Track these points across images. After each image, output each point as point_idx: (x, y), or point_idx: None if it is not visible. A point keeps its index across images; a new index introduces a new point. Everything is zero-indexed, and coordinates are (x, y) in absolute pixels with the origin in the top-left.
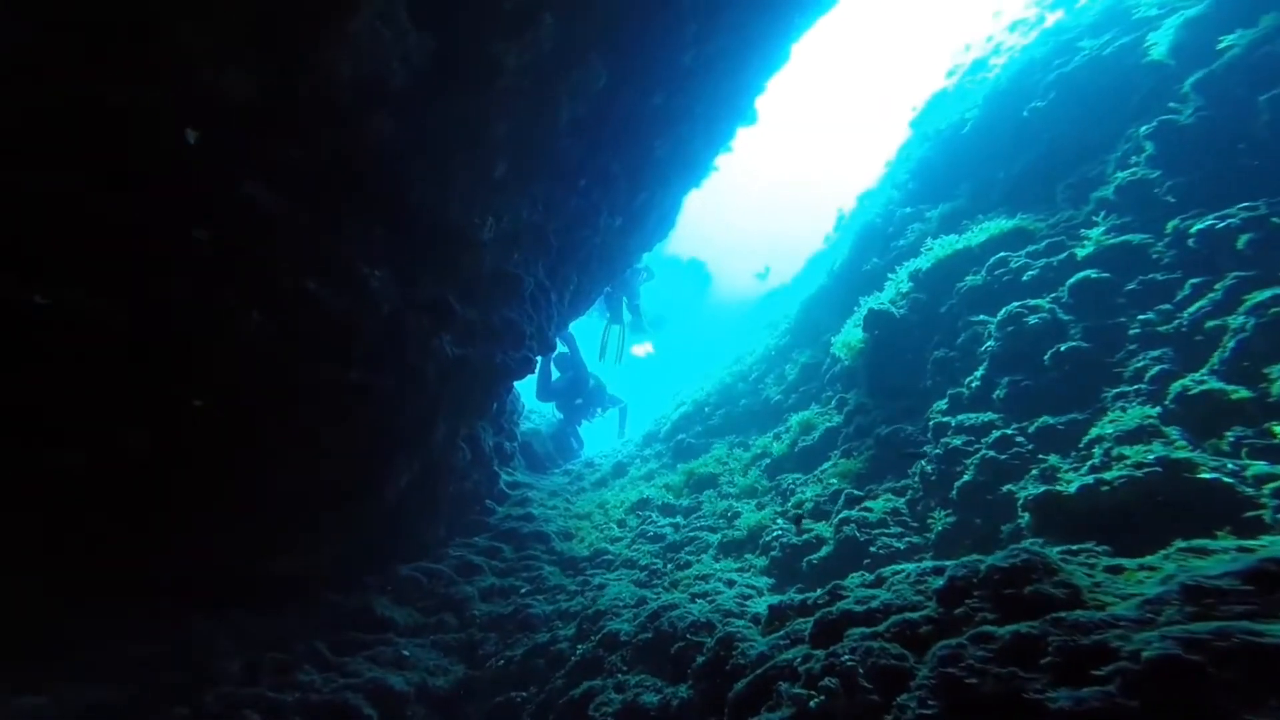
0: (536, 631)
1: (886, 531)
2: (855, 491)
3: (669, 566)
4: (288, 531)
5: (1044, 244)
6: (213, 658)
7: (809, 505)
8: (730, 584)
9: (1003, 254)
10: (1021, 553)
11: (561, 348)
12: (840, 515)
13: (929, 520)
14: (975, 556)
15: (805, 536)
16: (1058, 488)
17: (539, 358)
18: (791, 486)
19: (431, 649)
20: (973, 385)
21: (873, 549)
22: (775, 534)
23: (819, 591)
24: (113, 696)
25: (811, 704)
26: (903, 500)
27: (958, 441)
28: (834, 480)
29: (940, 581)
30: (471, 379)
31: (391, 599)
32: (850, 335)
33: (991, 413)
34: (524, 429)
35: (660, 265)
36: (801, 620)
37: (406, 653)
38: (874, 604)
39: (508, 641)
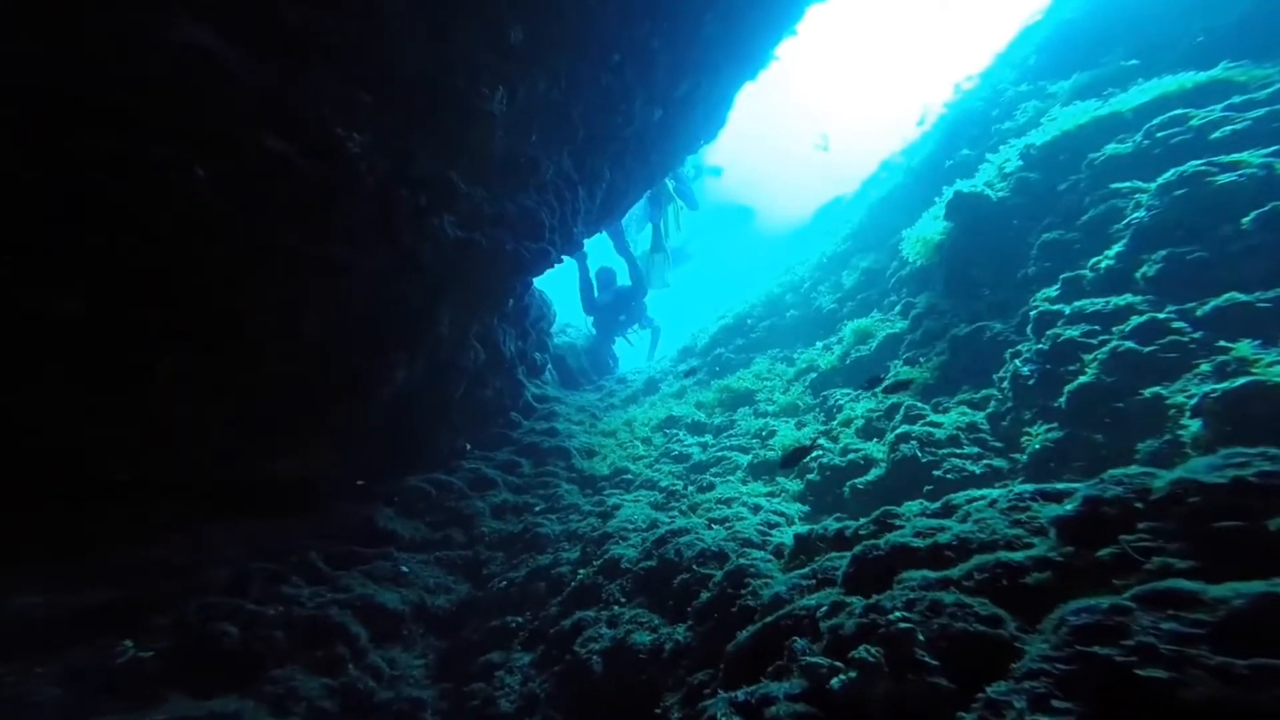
0: (544, 551)
1: (959, 451)
2: (919, 405)
3: (690, 488)
4: (279, 430)
5: (1265, 93)
6: (209, 565)
7: (859, 422)
8: (756, 509)
9: (1179, 111)
10: (1243, 459)
11: (608, 264)
12: (899, 431)
13: (1020, 438)
14: (1136, 469)
15: (851, 456)
16: (1259, 376)
17: (568, 258)
18: (839, 403)
19: (435, 565)
20: (1102, 265)
21: (938, 473)
22: (816, 453)
23: (862, 520)
24: (103, 600)
25: (834, 683)
26: (982, 414)
27: (1073, 333)
28: (895, 396)
29: (1063, 509)
30: (479, 266)
31: (398, 510)
32: (927, 229)
33: (1131, 295)
34: (558, 343)
35: (707, 210)
36: (836, 555)
37: (406, 569)
38: (943, 537)
39: (513, 562)
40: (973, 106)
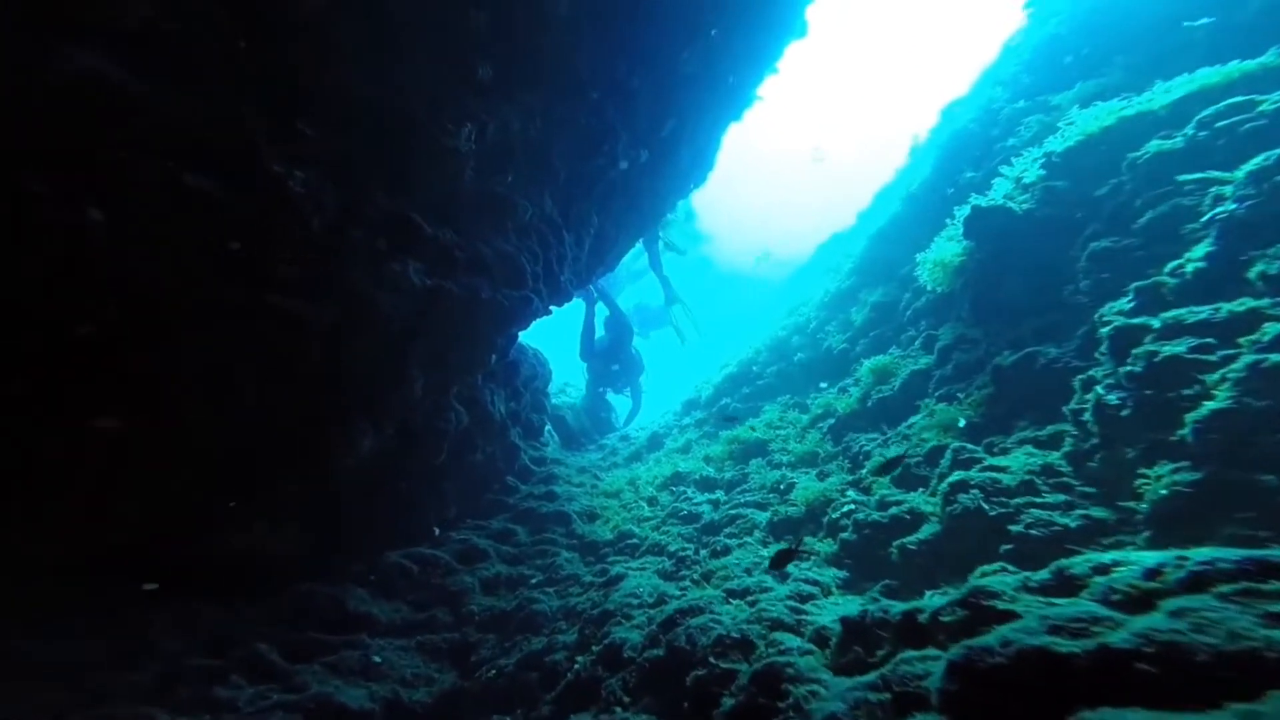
0: (540, 632)
1: (1039, 500)
2: (969, 447)
3: (702, 553)
4: (226, 501)
5: None
6: (139, 661)
7: (895, 472)
8: (783, 577)
9: (1239, 99)
10: None
11: (604, 310)
12: (952, 479)
13: (1128, 482)
14: None
15: (894, 510)
16: None
17: (555, 307)
18: (865, 449)
19: (416, 652)
20: (1188, 269)
21: (1016, 528)
22: (845, 508)
23: (937, 598)
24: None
25: None
26: (1057, 454)
27: (1175, 349)
28: (931, 435)
29: None
30: (453, 317)
31: (374, 590)
32: (943, 252)
33: (1251, 298)
34: (558, 403)
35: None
36: (913, 656)
37: (378, 658)
38: (1115, 638)
39: (505, 645)
40: (967, 128)
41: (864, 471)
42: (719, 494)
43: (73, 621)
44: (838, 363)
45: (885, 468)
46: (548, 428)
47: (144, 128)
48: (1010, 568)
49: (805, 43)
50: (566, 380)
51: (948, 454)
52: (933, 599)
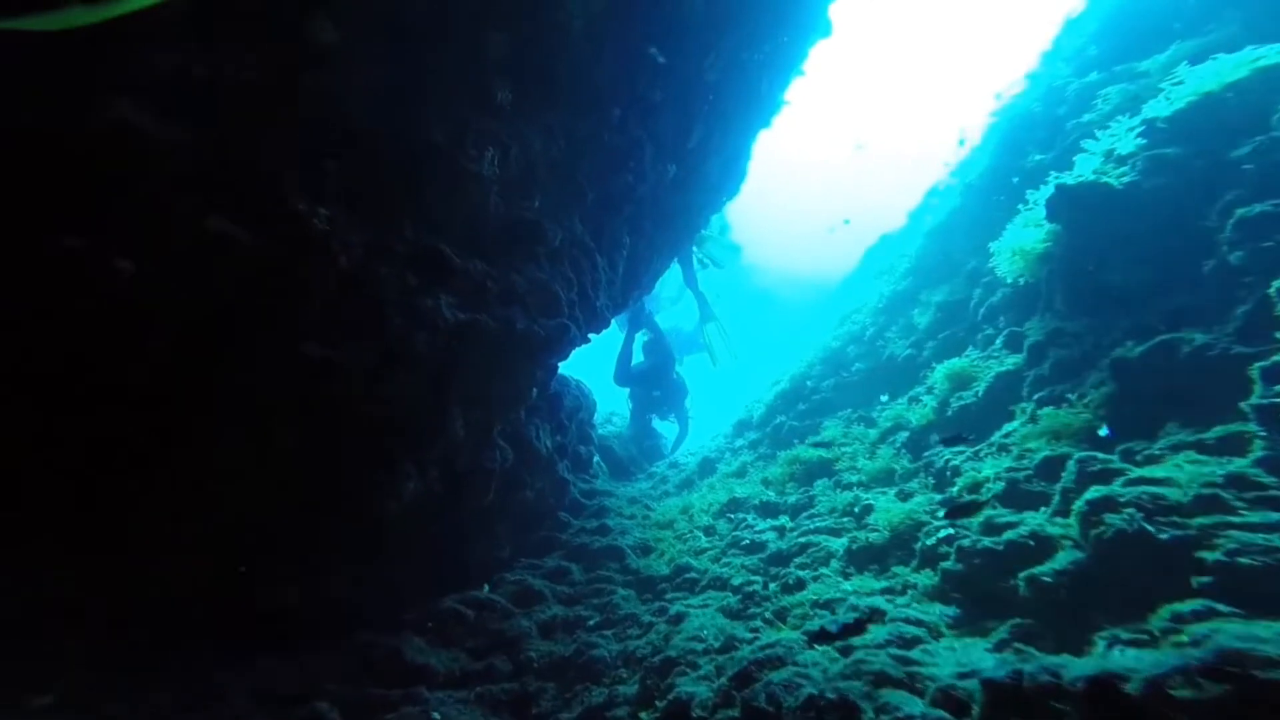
0: (600, 680)
1: (1235, 520)
2: (1100, 456)
3: (772, 586)
4: (270, 555)
5: None
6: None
7: (995, 486)
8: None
9: None
10: None
11: (644, 335)
12: (1090, 497)
13: None
14: None
15: (1010, 535)
16: None
17: (593, 334)
18: (952, 463)
19: (476, 704)
20: None
21: (1211, 555)
22: (943, 532)
23: (1140, 656)
24: None
25: None
26: (1245, 461)
27: None
28: (1039, 444)
29: None
30: (489, 353)
31: (430, 639)
32: (1022, 239)
33: None
34: (604, 433)
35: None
36: None
37: (437, 714)
38: None
39: (565, 696)
40: (1029, 110)
41: (955, 490)
42: (784, 520)
43: (137, 675)
44: (902, 371)
45: (962, 510)
46: (595, 459)
47: (168, 174)
48: (1221, 607)
49: (832, 43)
50: (612, 410)
51: (1070, 466)
52: (1131, 657)
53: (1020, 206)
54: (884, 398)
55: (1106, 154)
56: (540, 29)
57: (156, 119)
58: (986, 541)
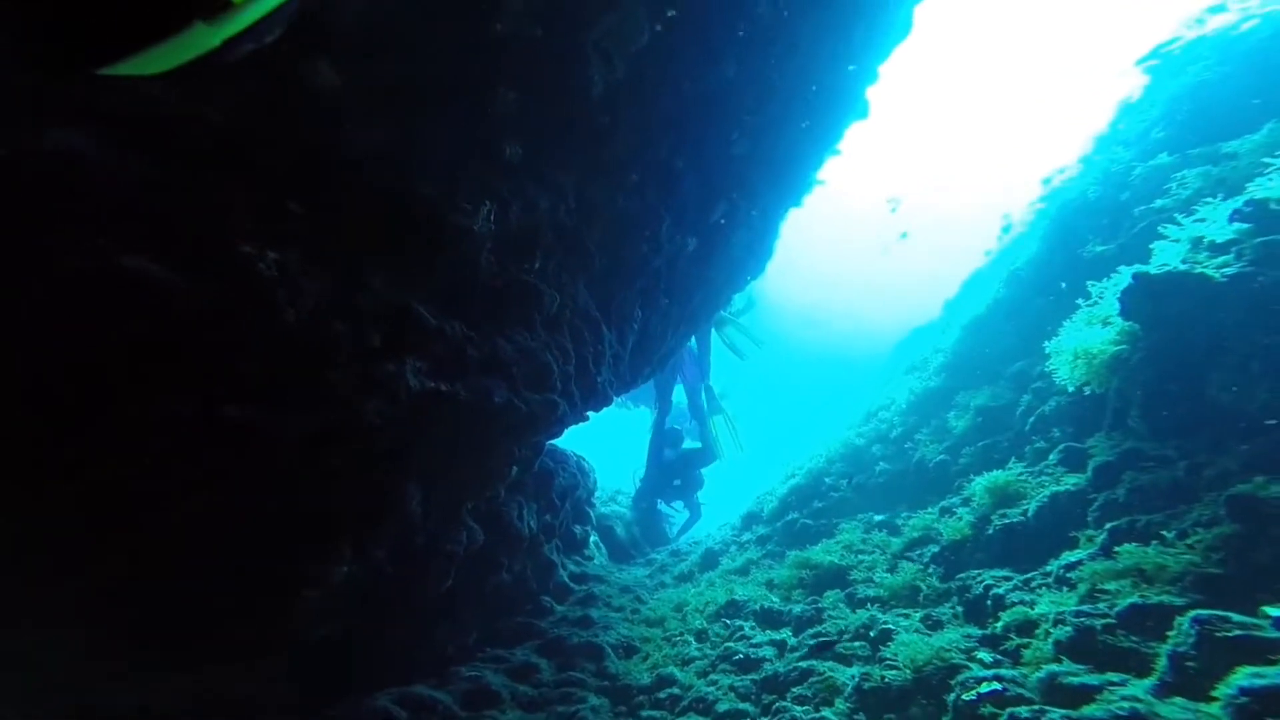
0: None
1: None
2: (1230, 615)
3: None
4: (161, 646)
5: None
6: None
7: (1060, 632)
8: None
9: None
10: None
11: (673, 423)
12: (1247, 684)
13: None
14: None
15: (1099, 711)
16: None
17: (592, 411)
18: (995, 591)
19: None
20: None
21: None
22: (988, 686)
23: None
24: None
25: None
26: None
27: None
28: (1117, 585)
29: None
30: (460, 426)
31: None
32: (1088, 340)
33: None
34: (604, 512)
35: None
36: None
37: None
38: None
39: None
40: (1083, 196)
41: (1000, 625)
42: (785, 634)
43: None
44: (934, 478)
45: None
46: (593, 539)
47: (93, 204)
48: None
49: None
50: (617, 488)
51: (1184, 626)
52: None
53: (1080, 301)
54: (931, 507)
55: (1195, 242)
56: (559, 90)
57: (102, 147)
58: (1058, 717)
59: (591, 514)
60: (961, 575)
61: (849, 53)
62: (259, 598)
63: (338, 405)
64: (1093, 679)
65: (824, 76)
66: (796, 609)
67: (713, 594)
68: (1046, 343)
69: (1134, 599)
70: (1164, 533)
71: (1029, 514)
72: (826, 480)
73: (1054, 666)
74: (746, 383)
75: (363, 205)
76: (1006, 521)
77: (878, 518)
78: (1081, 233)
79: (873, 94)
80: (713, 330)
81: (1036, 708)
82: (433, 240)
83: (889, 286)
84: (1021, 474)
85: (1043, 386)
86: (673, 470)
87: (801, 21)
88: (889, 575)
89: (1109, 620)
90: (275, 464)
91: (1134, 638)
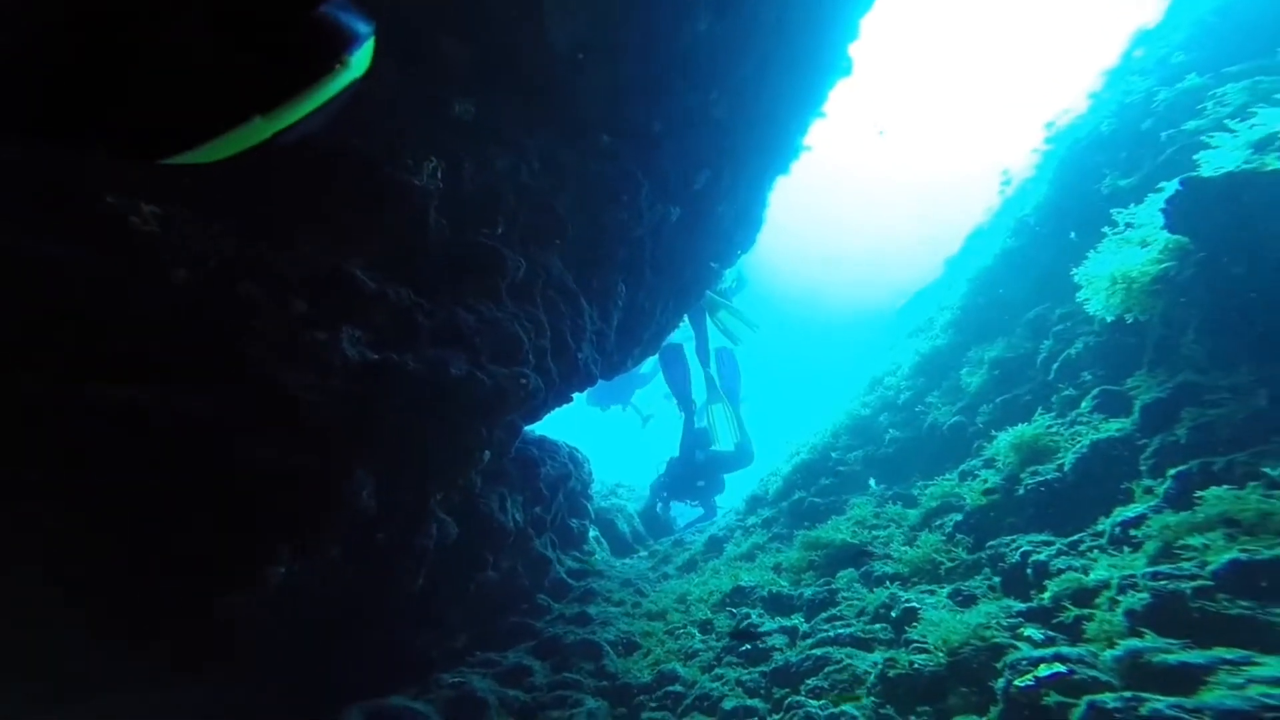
0: None
1: None
2: None
3: None
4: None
5: None
6: None
7: (1132, 599)
8: None
9: None
10: None
11: (701, 421)
12: None
13: None
14: None
15: (1244, 698)
16: None
17: (576, 392)
18: (1033, 556)
19: None
20: None
21: None
22: (1044, 669)
23: None
24: None
25: None
26: None
27: None
28: (1203, 540)
29: None
30: (415, 403)
31: None
32: (1129, 263)
33: None
34: (604, 505)
35: None
36: None
37: None
38: None
39: None
40: (1096, 131)
41: (1049, 596)
42: (796, 619)
43: None
44: (949, 441)
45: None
46: (593, 533)
47: None
48: None
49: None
50: (618, 481)
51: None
52: None
53: (1105, 230)
54: (948, 473)
55: (1258, 144)
56: (513, 44)
57: None
58: (1164, 706)
59: (589, 507)
60: (992, 543)
61: (829, 12)
62: (184, 601)
63: (252, 380)
64: (1196, 656)
65: (803, 30)
66: (808, 592)
67: (716, 582)
68: (1074, 270)
69: (1234, 554)
70: (1266, 470)
71: (1065, 468)
72: (833, 455)
73: (1134, 642)
74: (744, 368)
75: (280, 157)
76: (1040, 479)
77: (890, 491)
78: (1097, 168)
79: (855, 51)
80: (706, 316)
81: (1128, 695)
82: (373, 197)
83: (887, 255)
84: (1050, 426)
85: (1065, 330)
86: (700, 471)
87: None
88: (909, 549)
89: (1204, 582)
90: (172, 451)
91: (1243, 603)
